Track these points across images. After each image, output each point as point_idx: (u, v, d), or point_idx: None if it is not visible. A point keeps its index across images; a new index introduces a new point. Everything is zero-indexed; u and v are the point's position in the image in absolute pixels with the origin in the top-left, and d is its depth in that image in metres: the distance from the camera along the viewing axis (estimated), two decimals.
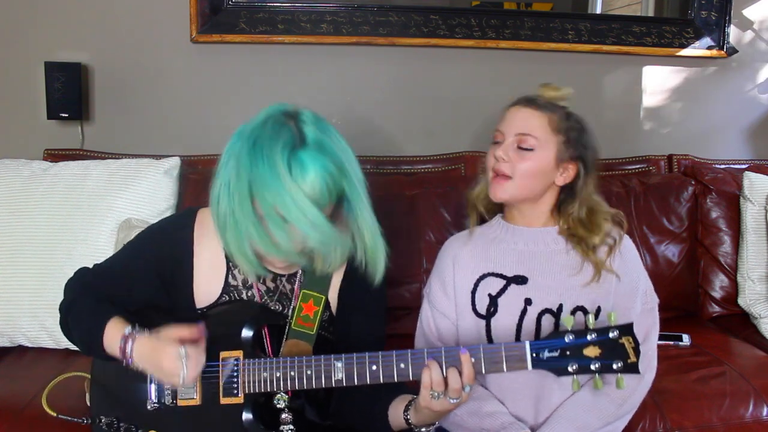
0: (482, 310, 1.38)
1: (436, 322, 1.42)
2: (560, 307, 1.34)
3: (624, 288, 1.37)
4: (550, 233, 1.40)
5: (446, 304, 1.41)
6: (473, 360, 1.10)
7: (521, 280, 1.37)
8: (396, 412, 1.19)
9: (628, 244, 1.43)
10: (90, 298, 1.25)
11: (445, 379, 1.10)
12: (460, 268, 1.41)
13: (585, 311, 1.33)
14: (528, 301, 1.35)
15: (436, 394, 1.09)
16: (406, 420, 1.17)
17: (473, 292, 1.39)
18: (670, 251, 2.08)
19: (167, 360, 1.11)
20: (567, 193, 1.40)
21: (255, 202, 1.11)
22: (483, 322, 1.37)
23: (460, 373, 1.10)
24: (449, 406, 1.10)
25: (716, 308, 2.14)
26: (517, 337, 1.35)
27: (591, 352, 1.09)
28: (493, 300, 1.37)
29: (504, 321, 1.36)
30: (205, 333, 1.15)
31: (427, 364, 1.10)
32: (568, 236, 1.39)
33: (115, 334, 1.17)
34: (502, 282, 1.38)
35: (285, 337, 1.25)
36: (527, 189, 1.37)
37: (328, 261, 1.22)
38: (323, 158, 1.10)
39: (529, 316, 1.35)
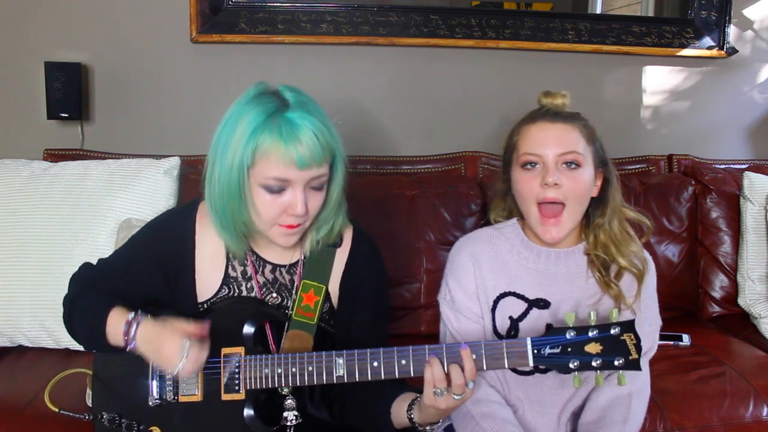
0: (503, 331, 1.34)
1: (464, 330, 1.35)
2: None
3: (641, 308, 1.33)
4: (575, 254, 1.34)
5: (476, 307, 1.35)
6: (474, 356, 1.10)
7: (543, 304, 1.33)
8: (399, 411, 1.19)
9: (651, 267, 1.37)
10: (94, 291, 1.26)
11: (448, 376, 1.10)
12: (481, 273, 1.35)
13: None
14: (549, 327, 1.33)
15: (439, 390, 1.09)
16: (410, 419, 1.17)
17: (493, 310, 1.35)
18: (670, 251, 2.08)
19: (169, 346, 1.12)
20: (594, 205, 1.34)
21: (251, 176, 1.15)
22: None
23: (462, 369, 1.10)
24: (454, 403, 1.10)
25: (716, 308, 2.14)
26: None
27: (592, 348, 1.09)
28: (514, 323, 1.33)
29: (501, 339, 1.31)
30: (209, 332, 1.16)
31: (428, 361, 1.10)
32: (591, 258, 1.33)
33: (118, 319, 1.18)
34: (524, 305, 1.33)
35: (286, 328, 1.26)
36: (577, 214, 1.29)
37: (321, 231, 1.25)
38: (310, 116, 1.14)
39: None
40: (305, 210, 1.16)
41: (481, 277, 1.35)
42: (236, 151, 1.14)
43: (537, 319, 1.33)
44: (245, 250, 1.27)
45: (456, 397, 1.10)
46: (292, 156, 1.11)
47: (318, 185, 1.18)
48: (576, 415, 1.37)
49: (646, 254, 1.36)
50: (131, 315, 1.17)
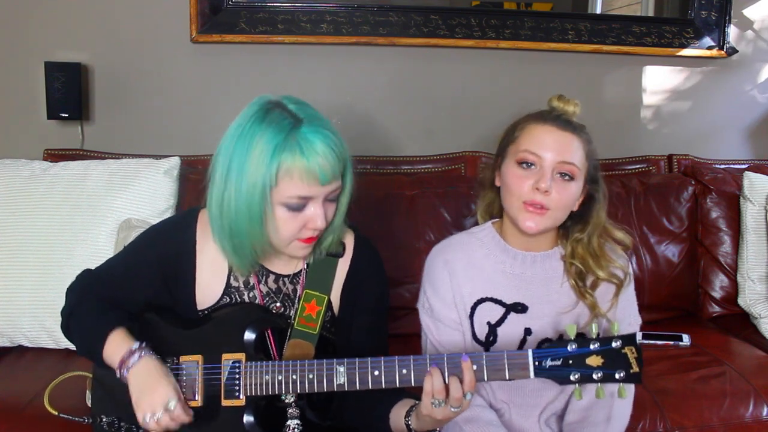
0: (481, 337, 1.34)
1: (444, 339, 1.35)
2: (560, 337, 1.29)
3: (618, 315, 1.33)
4: (551, 258, 1.34)
5: (454, 315, 1.34)
6: (475, 367, 1.10)
7: (521, 308, 1.32)
8: (397, 417, 1.18)
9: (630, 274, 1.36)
10: (91, 304, 1.25)
11: (447, 387, 1.09)
12: (457, 281, 1.34)
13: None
14: (528, 331, 1.32)
15: (437, 401, 1.09)
16: (407, 425, 1.16)
17: (471, 317, 1.34)
18: (670, 251, 2.08)
19: (160, 394, 1.11)
20: (574, 217, 1.33)
21: (273, 196, 1.13)
22: (482, 349, 1.33)
23: (462, 381, 1.09)
24: (451, 414, 1.10)
25: (716, 308, 2.14)
26: None
27: (593, 361, 1.09)
28: (492, 329, 1.33)
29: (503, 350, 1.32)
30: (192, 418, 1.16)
31: (429, 371, 1.10)
32: (568, 266, 1.33)
33: (118, 346, 1.17)
34: (501, 310, 1.33)
35: (287, 337, 1.25)
36: (558, 220, 1.29)
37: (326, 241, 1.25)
38: (323, 130, 1.13)
39: (529, 345, 1.31)
40: (325, 223, 1.17)
41: (457, 285, 1.34)
42: (257, 173, 1.11)
43: (515, 324, 1.32)
44: (251, 269, 1.25)
45: (453, 409, 1.09)
46: (315, 174, 1.11)
47: (333, 197, 1.19)
48: (560, 418, 1.37)
49: (628, 270, 1.35)
50: (136, 344, 1.16)
